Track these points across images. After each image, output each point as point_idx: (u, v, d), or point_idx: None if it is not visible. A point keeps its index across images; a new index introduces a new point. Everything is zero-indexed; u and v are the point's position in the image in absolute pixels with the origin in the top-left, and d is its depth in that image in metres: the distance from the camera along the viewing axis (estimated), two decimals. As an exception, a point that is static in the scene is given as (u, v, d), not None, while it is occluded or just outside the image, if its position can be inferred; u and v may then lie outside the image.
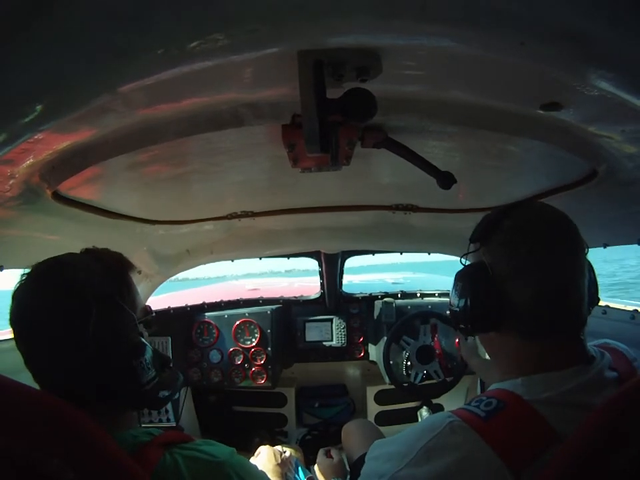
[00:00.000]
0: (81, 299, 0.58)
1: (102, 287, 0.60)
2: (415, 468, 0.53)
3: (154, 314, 0.70)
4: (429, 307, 2.07)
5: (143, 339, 0.64)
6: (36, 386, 0.58)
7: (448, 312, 2.27)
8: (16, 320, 0.59)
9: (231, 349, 2.02)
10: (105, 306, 0.59)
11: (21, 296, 0.59)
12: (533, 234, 0.59)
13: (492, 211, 0.66)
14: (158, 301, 2.26)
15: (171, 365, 0.73)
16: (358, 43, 0.48)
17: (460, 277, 0.66)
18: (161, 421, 1.79)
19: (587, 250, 0.61)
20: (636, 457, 0.46)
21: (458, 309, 0.64)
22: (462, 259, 0.68)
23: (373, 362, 2.21)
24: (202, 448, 0.60)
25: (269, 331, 2.01)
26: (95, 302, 0.58)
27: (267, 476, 0.75)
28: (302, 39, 0.46)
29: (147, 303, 0.71)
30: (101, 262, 0.64)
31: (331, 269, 2.06)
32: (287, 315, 2.22)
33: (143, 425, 0.66)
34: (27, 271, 0.61)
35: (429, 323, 1.90)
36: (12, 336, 0.59)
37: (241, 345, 2.02)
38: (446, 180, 0.75)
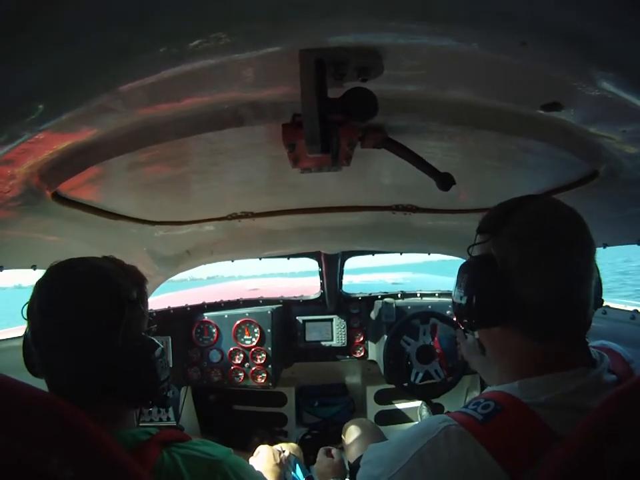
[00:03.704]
0: (117, 300, 0.62)
1: (131, 292, 0.65)
2: (409, 472, 0.52)
3: (154, 314, 0.73)
4: (429, 307, 2.07)
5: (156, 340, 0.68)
6: (36, 385, 0.58)
7: (450, 306, 2.25)
8: (40, 311, 0.60)
9: (231, 349, 2.02)
10: (132, 309, 0.63)
11: (51, 288, 0.62)
12: (546, 229, 0.57)
13: (501, 203, 0.63)
14: (158, 301, 2.26)
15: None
16: (359, 42, 0.48)
17: (466, 268, 0.62)
18: (161, 420, 1.79)
19: (596, 249, 0.59)
20: (631, 457, 0.46)
21: (462, 302, 0.61)
22: (469, 250, 0.65)
23: (372, 362, 2.21)
24: (199, 447, 0.61)
25: (269, 330, 2.01)
26: (126, 304, 0.62)
27: (262, 476, 0.76)
28: (303, 38, 0.46)
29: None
30: (125, 270, 0.68)
31: (331, 269, 2.05)
32: (287, 314, 2.22)
33: (143, 424, 0.67)
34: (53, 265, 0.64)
35: (429, 322, 1.90)
36: (12, 335, 0.59)
37: (241, 344, 2.01)
38: (445, 181, 0.75)
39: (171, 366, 0.74)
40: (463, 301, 0.61)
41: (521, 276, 0.56)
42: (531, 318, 0.57)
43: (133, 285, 0.66)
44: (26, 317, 0.61)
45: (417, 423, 1.76)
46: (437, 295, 2.23)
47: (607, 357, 0.60)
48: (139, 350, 0.64)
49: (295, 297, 2.31)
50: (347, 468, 1.43)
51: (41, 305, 0.60)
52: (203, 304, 2.16)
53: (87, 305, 0.61)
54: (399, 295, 2.23)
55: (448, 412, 0.58)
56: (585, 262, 0.57)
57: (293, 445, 1.71)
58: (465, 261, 0.65)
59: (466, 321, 0.62)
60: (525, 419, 0.52)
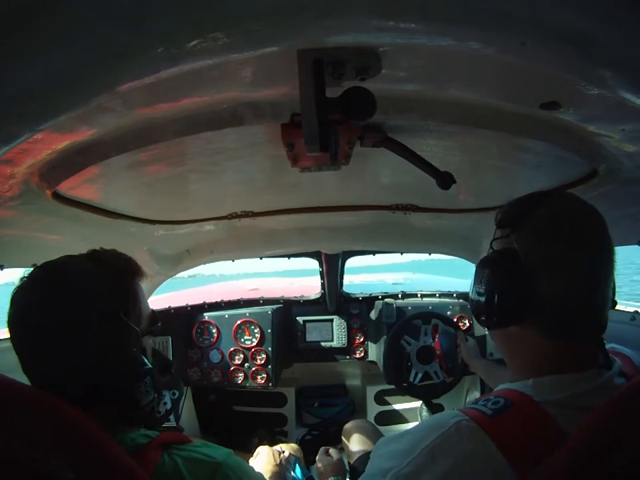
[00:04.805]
0: (83, 312, 0.57)
1: (107, 301, 0.59)
2: (418, 467, 0.52)
3: (159, 323, 0.69)
4: (430, 307, 2.07)
5: (145, 359, 0.63)
6: None
7: (451, 307, 2.25)
8: (14, 323, 0.58)
9: (231, 349, 2.02)
10: (109, 322, 0.58)
11: (21, 300, 0.58)
12: (571, 225, 0.56)
13: (521, 197, 0.62)
14: (158, 300, 2.27)
15: (172, 371, 0.73)
16: (357, 42, 0.48)
17: (487, 263, 0.60)
18: (161, 420, 1.79)
19: (614, 248, 0.57)
20: (633, 458, 0.46)
21: (483, 299, 0.59)
22: (491, 244, 0.62)
23: (372, 362, 2.21)
24: (200, 449, 0.61)
25: (269, 330, 2.01)
26: (97, 317, 0.57)
27: (263, 477, 0.76)
28: (302, 38, 0.46)
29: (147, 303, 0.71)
30: (108, 271, 0.62)
31: (332, 269, 2.05)
32: (288, 315, 2.22)
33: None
34: (28, 271, 0.60)
35: (430, 323, 1.90)
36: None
37: (241, 344, 2.01)
38: (445, 180, 0.75)
39: (172, 371, 0.72)
40: (484, 298, 0.59)
41: (545, 272, 0.55)
42: (552, 316, 0.56)
43: (113, 293, 0.60)
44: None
45: (426, 418, 1.76)
46: (437, 295, 2.23)
47: (618, 360, 0.60)
48: (118, 369, 0.58)
49: (295, 297, 2.31)
50: (347, 468, 1.43)
51: (10, 318, 0.57)
52: (204, 304, 2.16)
53: (53, 319, 0.56)
54: (400, 296, 2.23)
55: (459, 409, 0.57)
56: (607, 260, 0.56)
57: (293, 445, 1.71)
58: (484, 256, 0.63)
59: (485, 318, 0.60)
60: (534, 416, 0.52)
